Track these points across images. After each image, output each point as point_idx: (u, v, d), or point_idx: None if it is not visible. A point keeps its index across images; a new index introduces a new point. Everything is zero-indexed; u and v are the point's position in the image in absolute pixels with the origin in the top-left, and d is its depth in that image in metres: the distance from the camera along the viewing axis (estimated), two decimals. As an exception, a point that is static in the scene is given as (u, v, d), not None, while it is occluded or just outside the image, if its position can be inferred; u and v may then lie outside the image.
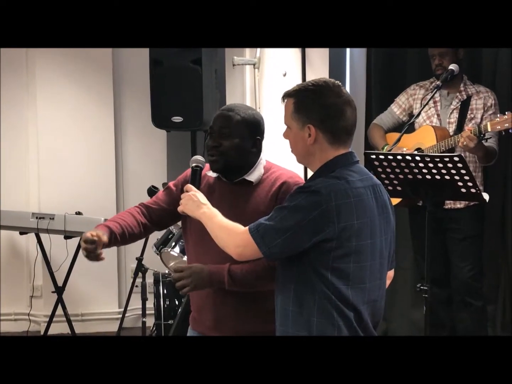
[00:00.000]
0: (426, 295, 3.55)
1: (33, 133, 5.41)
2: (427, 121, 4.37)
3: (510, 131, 3.89)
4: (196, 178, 2.65)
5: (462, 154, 3.73)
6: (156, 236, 3.98)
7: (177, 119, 4.41)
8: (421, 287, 3.57)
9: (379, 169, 3.65)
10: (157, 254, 4.07)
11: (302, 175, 4.15)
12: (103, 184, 5.45)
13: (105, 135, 5.47)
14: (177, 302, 4.43)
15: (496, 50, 4.60)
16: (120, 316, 5.15)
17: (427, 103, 4.25)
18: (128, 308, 5.10)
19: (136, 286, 4.94)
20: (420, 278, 4.17)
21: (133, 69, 5.44)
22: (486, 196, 3.72)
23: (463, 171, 3.49)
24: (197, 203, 2.51)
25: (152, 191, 4.21)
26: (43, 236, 4.97)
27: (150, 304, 4.59)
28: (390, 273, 2.55)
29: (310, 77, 4.45)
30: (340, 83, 2.42)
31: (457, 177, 3.51)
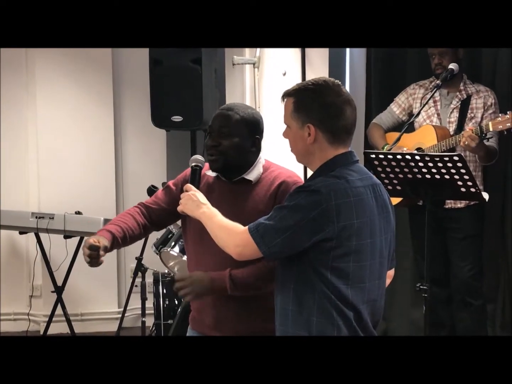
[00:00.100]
0: (425, 295, 3.56)
1: (32, 132, 5.41)
2: (427, 120, 4.37)
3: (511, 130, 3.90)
4: (195, 178, 2.65)
5: (462, 154, 3.73)
6: (155, 235, 3.97)
7: (177, 118, 4.41)
8: (421, 287, 3.57)
9: (379, 169, 3.65)
10: (157, 253, 4.07)
11: (301, 175, 4.17)
12: (102, 184, 5.45)
13: (104, 135, 5.47)
14: (176, 302, 4.43)
15: (496, 50, 4.60)
16: (120, 315, 5.15)
17: (426, 102, 4.25)
18: (128, 308, 5.10)
19: (136, 285, 4.94)
20: (419, 278, 4.17)
21: (133, 68, 5.44)
22: (485, 196, 3.72)
23: (462, 171, 3.49)
24: (196, 203, 2.51)
25: (151, 190, 4.21)
26: (43, 235, 4.96)
27: (149, 303, 4.59)
28: (390, 272, 2.56)
29: (310, 77, 4.44)
30: (339, 82, 2.42)
31: (456, 177, 3.51)
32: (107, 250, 2.60)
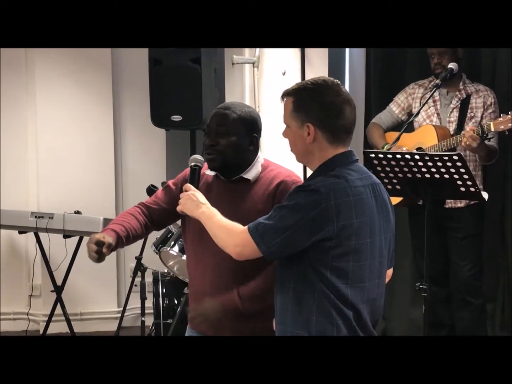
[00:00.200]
0: (425, 294, 3.56)
1: (32, 132, 5.41)
2: (427, 120, 4.37)
3: None
4: (195, 178, 2.65)
5: (462, 153, 3.73)
6: (155, 235, 3.97)
7: (176, 118, 4.41)
8: (420, 286, 3.57)
9: (379, 168, 3.65)
10: (156, 253, 4.08)
11: (301, 174, 4.17)
12: (102, 183, 5.45)
13: (104, 134, 5.47)
14: (176, 301, 4.43)
15: (496, 50, 4.60)
16: (119, 315, 5.14)
17: (426, 102, 4.24)
18: (127, 307, 5.09)
19: (135, 285, 4.93)
20: (419, 277, 4.18)
21: (133, 68, 5.44)
22: (485, 195, 3.72)
23: (462, 170, 3.49)
24: (196, 203, 2.51)
25: (151, 190, 4.21)
26: (42, 235, 4.96)
27: (149, 303, 4.58)
28: (389, 272, 2.55)
29: (309, 76, 4.42)
30: (339, 82, 2.41)
31: (456, 176, 3.51)
32: (111, 248, 2.60)
